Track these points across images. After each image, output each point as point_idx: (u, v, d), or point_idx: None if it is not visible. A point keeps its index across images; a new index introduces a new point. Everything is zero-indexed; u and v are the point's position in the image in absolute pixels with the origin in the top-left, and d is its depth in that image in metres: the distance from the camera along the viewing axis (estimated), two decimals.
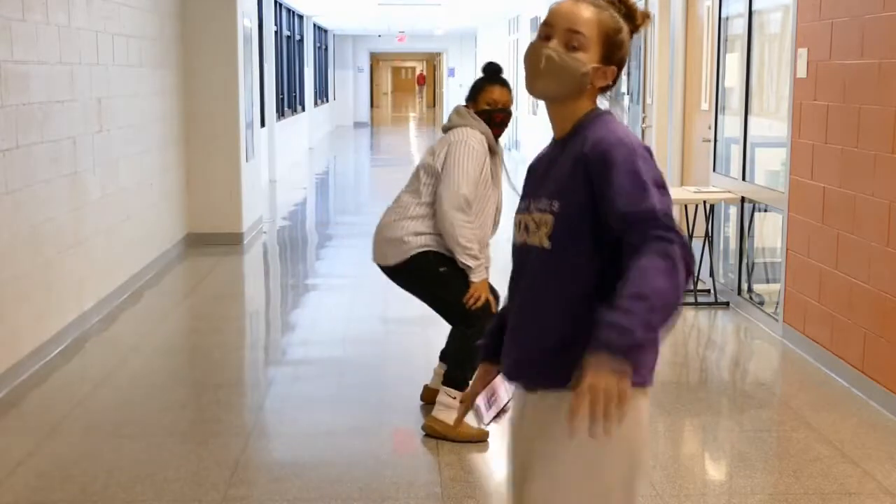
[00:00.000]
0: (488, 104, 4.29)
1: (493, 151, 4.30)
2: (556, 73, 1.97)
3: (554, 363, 1.97)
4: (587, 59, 1.97)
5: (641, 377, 1.95)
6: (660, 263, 1.81)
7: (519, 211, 2.09)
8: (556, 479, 1.96)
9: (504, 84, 4.36)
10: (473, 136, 4.20)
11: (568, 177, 1.97)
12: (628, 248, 1.87)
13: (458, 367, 4.28)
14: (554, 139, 2.09)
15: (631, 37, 2.05)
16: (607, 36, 1.99)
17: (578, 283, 1.97)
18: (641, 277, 1.79)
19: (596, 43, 1.98)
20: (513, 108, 4.39)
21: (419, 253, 4.21)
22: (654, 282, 1.79)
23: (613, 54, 2.01)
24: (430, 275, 4.25)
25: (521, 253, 2.06)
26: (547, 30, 1.99)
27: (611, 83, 2.05)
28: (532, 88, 2.02)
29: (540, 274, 2.00)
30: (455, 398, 4.21)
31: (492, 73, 4.38)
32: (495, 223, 4.41)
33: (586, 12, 1.99)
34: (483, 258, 4.23)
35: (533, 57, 1.99)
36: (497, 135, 4.32)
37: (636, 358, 1.82)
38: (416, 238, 4.20)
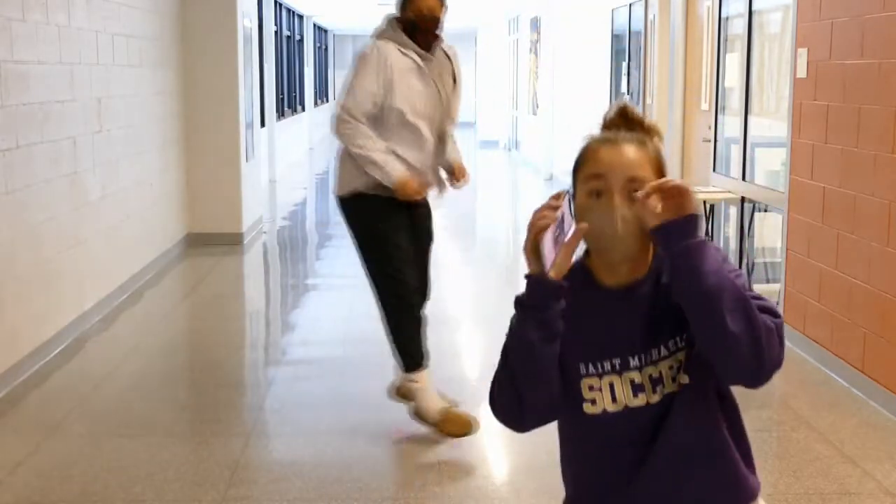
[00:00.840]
0: (414, 13, 4.15)
1: (425, 59, 4.17)
2: (638, 233, 1.76)
3: (730, 498, 1.86)
4: (658, 201, 1.75)
5: None
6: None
7: (597, 373, 1.80)
8: None
9: None
10: (375, 48, 4.12)
11: (675, 311, 1.76)
12: None
13: (403, 354, 4.25)
14: (608, 285, 1.82)
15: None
16: (659, 167, 1.82)
17: (718, 411, 1.89)
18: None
19: (654, 178, 1.79)
20: (442, 16, 4.22)
21: (338, 197, 4.35)
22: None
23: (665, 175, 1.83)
24: (349, 224, 4.36)
25: (638, 415, 1.80)
26: (598, 184, 1.77)
27: None
28: (612, 256, 1.79)
29: (690, 413, 1.82)
30: (418, 381, 4.21)
31: None
32: (443, 132, 4.29)
33: (637, 153, 1.80)
34: (420, 171, 4.19)
35: (604, 223, 1.75)
36: (425, 43, 4.17)
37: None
38: (339, 176, 4.33)
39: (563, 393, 1.79)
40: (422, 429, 4.32)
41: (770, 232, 6.43)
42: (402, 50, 4.12)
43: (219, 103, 8.92)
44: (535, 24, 16.75)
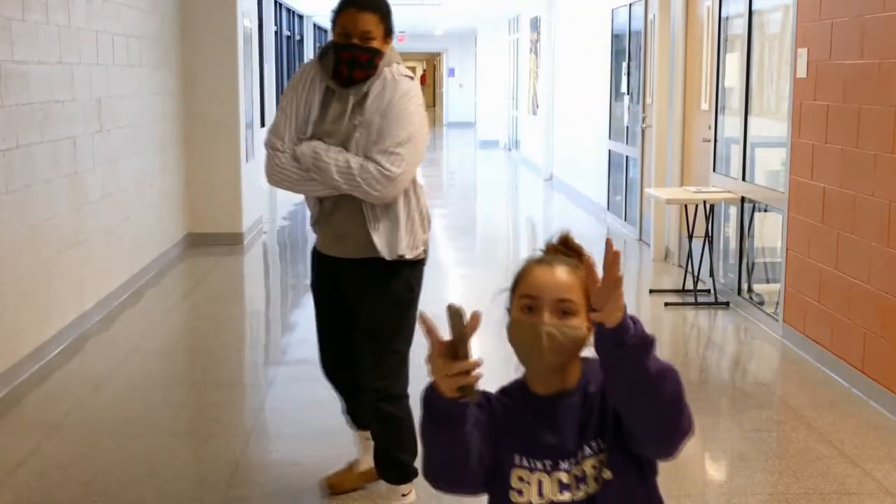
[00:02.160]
0: (341, 34, 3.24)
1: (330, 89, 3.29)
2: (561, 348, 1.92)
3: None
4: (581, 322, 1.92)
5: None
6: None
7: (529, 468, 1.95)
8: None
9: (357, 4, 3.23)
10: (299, 70, 3.44)
11: (600, 414, 1.94)
12: None
13: (402, 452, 3.45)
14: (540, 394, 1.99)
15: None
16: (587, 291, 1.93)
17: (642, 488, 2.01)
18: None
19: (583, 303, 1.93)
20: (375, 42, 3.23)
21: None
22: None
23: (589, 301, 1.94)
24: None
25: None
26: (530, 301, 1.94)
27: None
28: (537, 365, 1.96)
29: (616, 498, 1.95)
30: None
31: None
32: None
33: (567, 276, 1.95)
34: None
35: (531, 336, 1.93)
36: (345, 74, 3.25)
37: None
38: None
39: (493, 476, 1.94)
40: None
41: (770, 232, 6.43)
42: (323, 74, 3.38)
43: (219, 103, 8.92)
44: (535, 24, 16.75)
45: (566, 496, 1.94)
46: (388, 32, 3.30)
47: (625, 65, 10.00)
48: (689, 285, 6.81)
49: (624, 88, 9.99)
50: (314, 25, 22.21)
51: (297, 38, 19.29)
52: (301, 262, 9.06)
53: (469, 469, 1.93)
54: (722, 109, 7.03)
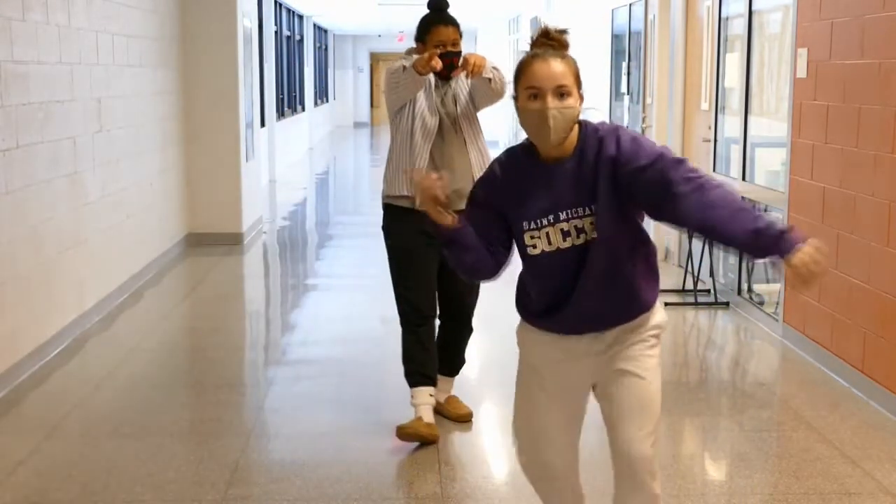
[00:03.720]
0: (436, 46, 4.11)
1: (436, 85, 4.21)
2: (563, 125, 2.52)
3: (631, 308, 2.69)
4: (575, 101, 2.54)
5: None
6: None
7: (536, 227, 2.61)
8: (646, 373, 2.68)
9: (450, 22, 4.18)
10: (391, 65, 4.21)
11: (594, 181, 2.53)
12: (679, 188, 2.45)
13: (403, 362, 4.31)
14: (545, 159, 2.60)
15: None
16: (576, 74, 2.56)
17: (627, 254, 2.62)
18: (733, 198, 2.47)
19: (574, 84, 2.54)
20: (461, 45, 4.19)
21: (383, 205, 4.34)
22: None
23: (580, 82, 2.58)
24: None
25: (567, 253, 2.60)
26: (535, 90, 2.53)
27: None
28: (547, 142, 2.54)
29: (605, 254, 2.57)
30: (413, 397, 4.24)
31: (437, 10, 4.23)
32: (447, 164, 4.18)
33: (561, 66, 2.54)
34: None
35: (540, 119, 2.52)
36: (444, 75, 4.16)
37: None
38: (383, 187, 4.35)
39: (511, 244, 2.68)
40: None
41: None
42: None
43: (219, 103, 8.92)
44: (535, 24, 16.75)
45: (568, 242, 2.58)
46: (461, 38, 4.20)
47: (625, 65, 10.00)
48: (689, 285, 6.81)
49: (624, 88, 9.99)
50: (314, 25, 22.21)
51: (297, 38, 19.28)
52: (301, 262, 9.06)
53: (487, 260, 2.67)
54: (722, 109, 7.03)
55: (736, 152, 6.69)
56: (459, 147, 4.27)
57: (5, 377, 4.89)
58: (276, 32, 15.36)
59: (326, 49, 26.78)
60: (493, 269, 2.69)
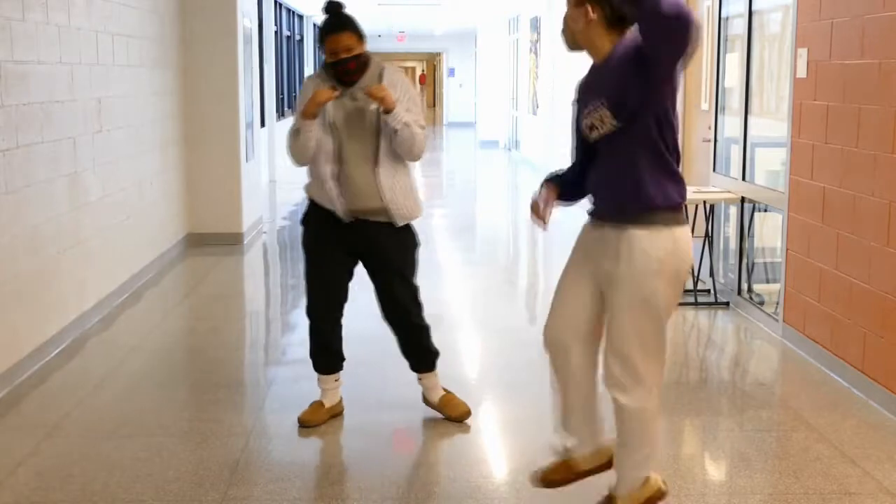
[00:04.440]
0: (331, 54, 4.17)
1: (343, 95, 4.18)
2: (571, 33, 3.12)
3: (634, 198, 3.02)
4: (580, 12, 3.05)
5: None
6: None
7: (583, 119, 3.12)
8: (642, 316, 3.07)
9: (343, 28, 4.17)
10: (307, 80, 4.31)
11: (619, 76, 2.97)
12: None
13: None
14: (594, 66, 3.13)
15: None
16: None
17: (646, 145, 3.00)
18: None
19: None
20: (358, 49, 4.14)
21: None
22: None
23: None
24: None
25: (595, 144, 3.12)
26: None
27: (606, 10, 3.02)
28: (565, 45, 3.15)
29: (618, 149, 3.03)
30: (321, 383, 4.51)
31: (330, 14, 4.26)
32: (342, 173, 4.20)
33: None
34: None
35: (562, 24, 3.14)
36: (345, 81, 4.16)
37: None
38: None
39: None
40: (421, 430, 4.31)
41: (770, 232, 6.43)
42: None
43: (219, 103, 8.92)
44: (535, 24, 16.75)
45: (594, 134, 3.08)
46: (360, 39, 4.22)
47: None
48: (689, 285, 6.81)
49: None
50: (314, 25, 22.20)
51: (297, 38, 19.28)
52: (301, 262, 9.06)
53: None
54: (722, 109, 7.03)
55: (736, 152, 6.69)
56: (363, 164, 4.19)
57: (5, 377, 4.89)
58: (276, 32, 15.36)
59: None
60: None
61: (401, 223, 4.25)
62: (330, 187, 4.17)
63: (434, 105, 44.21)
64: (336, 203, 4.19)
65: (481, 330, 6.26)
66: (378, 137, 4.16)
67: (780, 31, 6.19)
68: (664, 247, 3.02)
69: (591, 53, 3.10)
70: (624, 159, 3.02)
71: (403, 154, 4.17)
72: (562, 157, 13.98)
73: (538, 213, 3.30)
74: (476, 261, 9.13)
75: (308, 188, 4.34)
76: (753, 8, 6.45)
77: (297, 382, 5.15)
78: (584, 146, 3.22)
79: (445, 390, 4.54)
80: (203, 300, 7.22)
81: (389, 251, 4.30)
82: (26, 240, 5.25)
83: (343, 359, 4.53)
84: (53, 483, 3.84)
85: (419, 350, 4.50)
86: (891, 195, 4.56)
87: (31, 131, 5.34)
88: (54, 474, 3.91)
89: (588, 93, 3.12)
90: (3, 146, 4.97)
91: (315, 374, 4.53)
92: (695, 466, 4.13)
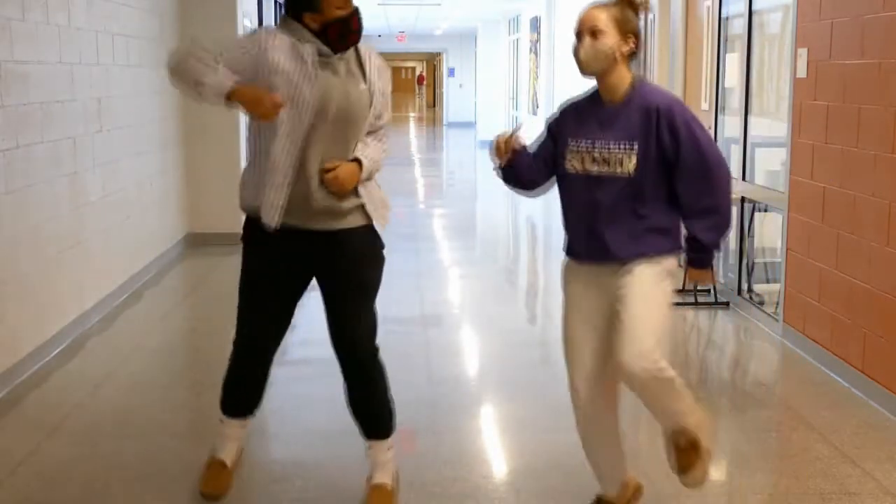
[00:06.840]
0: (336, 5, 3.21)
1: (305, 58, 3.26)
2: (591, 58, 3.06)
3: (641, 244, 3.06)
4: (607, 39, 3.03)
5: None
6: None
7: (577, 150, 3.10)
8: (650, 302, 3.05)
9: None
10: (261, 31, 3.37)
11: (640, 126, 3.00)
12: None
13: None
14: (603, 101, 3.11)
15: (637, 15, 3.09)
16: (621, 27, 3.04)
17: (651, 197, 3.04)
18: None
19: (611, 26, 3.03)
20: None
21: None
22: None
23: (627, 29, 3.05)
24: None
25: (590, 179, 3.08)
26: (577, 31, 3.10)
27: (634, 49, 3.06)
28: (583, 72, 3.09)
29: (625, 193, 3.03)
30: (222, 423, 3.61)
31: None
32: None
33: (601, 12, 3.07)
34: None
35: (575, 53, 3.10)
36: (339, 46, 3.26)
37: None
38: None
39: (555, 160, 3.18)
40: (422, 430, 4.31)
41: (770, 232, 6.43)
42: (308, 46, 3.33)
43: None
44: (535, 24, 16.75)
45: (595, 169, 3.07)
46: None
47: None
48: (689, 285, 6.80)
49: None
50: None
51: None
52: None
53: (537, 176, 3.25)
54: (722, 109, 7.04)
55: (736, 152, 6.69)
56: (336, 152, 3.44)
57: (5, 377, 4.89)
58: None
59: None
60: (543, 180, 3.28)
61: (379, 226, 3.55)
62: (287, 182, 3.47)
63: (434, 105, 44.18)
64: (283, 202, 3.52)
65: (481, 330, 6.25)
66: (360, 123, 3.39)
67: (779, 31, 6.19)
68: (667, 260, 3.14)
69: (607, 87, 3.08)
70: (627, 206, 3.05)
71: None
72: None
73: (500, 153, 3.25)
74: (476, 261, 9.13)
75: (245, 188, 3.67)
76: (753, 8, 6.45)
77: (297, 382, 5.16)
78: (548, 169, 3.23)
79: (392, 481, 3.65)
80: (203, 300, 7.22)
81: (359, 264, 3.63)
82: (26, 240, 5.25)
83: (262, 398, 3.73)
84: (53, 483, 3.84)
85: (377, 403, 3.70)
86: (891, 195, 4.56)
87: (32, 131, 5.34)
88: (54, 474, 3.91)
89: (600, 128, 3.07)
90: (4, 146, 4.97)
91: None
92: None
